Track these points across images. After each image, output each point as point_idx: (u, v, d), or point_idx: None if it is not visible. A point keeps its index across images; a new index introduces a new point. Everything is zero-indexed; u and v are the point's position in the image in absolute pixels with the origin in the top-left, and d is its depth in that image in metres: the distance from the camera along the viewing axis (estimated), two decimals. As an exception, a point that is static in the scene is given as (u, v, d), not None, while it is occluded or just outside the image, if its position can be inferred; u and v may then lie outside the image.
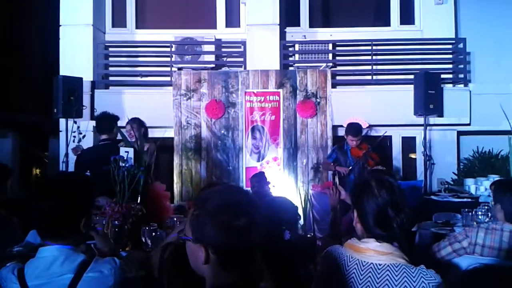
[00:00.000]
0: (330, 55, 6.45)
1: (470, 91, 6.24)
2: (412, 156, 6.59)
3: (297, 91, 6.05)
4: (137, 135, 4.41)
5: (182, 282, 1.61)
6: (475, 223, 3.30)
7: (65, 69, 6.21)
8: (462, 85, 6.38)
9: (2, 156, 7.83)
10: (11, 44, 7.97)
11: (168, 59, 6.51)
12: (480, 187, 4.84)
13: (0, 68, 7.50)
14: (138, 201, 2.92)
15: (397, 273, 1.59)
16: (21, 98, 8.24)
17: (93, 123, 5.07)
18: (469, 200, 4.52)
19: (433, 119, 6.11)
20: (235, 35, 6.72)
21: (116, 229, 2.65)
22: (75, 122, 5.40)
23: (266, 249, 1.28)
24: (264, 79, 6.07)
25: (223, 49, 6.70)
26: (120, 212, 2.74)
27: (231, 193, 1.25)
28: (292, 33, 6.75)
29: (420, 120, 6.00)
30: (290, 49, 6.55)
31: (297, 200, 5.32)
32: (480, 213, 3.35)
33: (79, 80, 5.79)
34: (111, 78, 6.76)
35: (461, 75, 6.42)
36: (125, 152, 3.12)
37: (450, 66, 6.56)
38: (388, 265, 1.61)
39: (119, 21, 6.95)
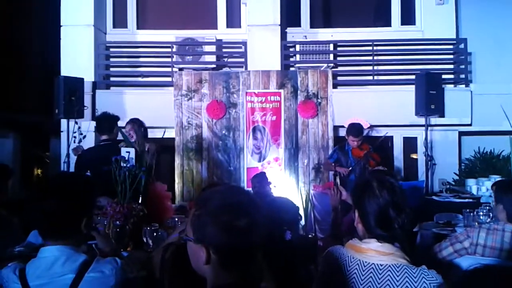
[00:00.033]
0: (331, 56, 6.44)
1: (471, 92, 6.23)
2: (414, 156, 6.58)
3: (298, 92, 6.05)
4: (137, 136, 4.42)
5: (183, 282, 1.61)
6: (476, 223, 3.29)
7: (66, 70, 6.21)
8: (463, 86, 6.38)
9: (3, 156, 7.84)
10: (11, 44, 7.97)
11: (169, 59, 6.50)
12: (482, 187, 4.83)
13: (0, 68, 7.50)
14: (140, 202, 2.93)
15: (398, 273, 1.59)
16: (22, 98, 8.24)
17: (94, 123, 5.07)
18: (471, 200, 4.50)
19: (434, 120, 6.10)
20: (236, 36, 6.72)
21: (118, 229, 2.65)
22: (76, 123, 5.40)
23: (267, 249, 1.27)
24: (265, 80, 6.07)
25: (224, 50, 6.70)
26: (121, 212, 2.74)
27: (232, 193, 1.25)
28: (293, 34, 6.74)
29: (421, 120, 5.99)
30: (291, 49, 6.54)
31: (298, 201, 5.33)
32: (481, 213, 3.35)
33: (80, 81, 5.80)
34: (112, 79, 6.75)
35: (462, 76, 6.41)
36: (127, 152, 3.12)
37: (451, 66, 6.55)
38: (389, 266, 1.61)
39: (120, 21, 6.96)
